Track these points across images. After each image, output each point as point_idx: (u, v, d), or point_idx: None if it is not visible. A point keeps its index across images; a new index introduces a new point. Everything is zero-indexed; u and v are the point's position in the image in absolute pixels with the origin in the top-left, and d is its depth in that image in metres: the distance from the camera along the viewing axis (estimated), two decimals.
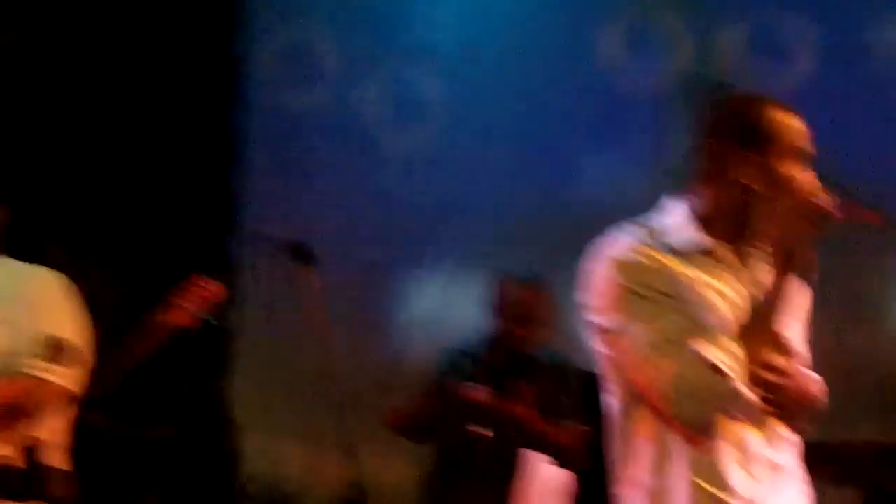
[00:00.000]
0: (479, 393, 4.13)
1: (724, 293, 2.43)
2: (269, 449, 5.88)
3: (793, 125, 2.49)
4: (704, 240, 2.48)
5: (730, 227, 2.48)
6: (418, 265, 5.96)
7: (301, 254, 3.21)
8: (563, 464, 4.05)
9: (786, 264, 2.41)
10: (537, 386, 4.22)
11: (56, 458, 3.14)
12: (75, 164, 5.83)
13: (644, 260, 2.40)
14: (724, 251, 2.48)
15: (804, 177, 2.45)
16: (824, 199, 2.38)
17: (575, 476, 4.05)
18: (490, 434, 4.09)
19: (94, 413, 3.87)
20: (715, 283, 2.43)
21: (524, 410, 4.12)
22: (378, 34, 6.06)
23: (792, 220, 2.41)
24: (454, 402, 4.16)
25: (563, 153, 5.85)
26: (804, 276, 2.39)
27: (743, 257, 2.50)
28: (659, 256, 2.42)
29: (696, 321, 2.36)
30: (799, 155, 2.47)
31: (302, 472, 5.88)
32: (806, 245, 2.38)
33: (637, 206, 2.52)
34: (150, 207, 5.85)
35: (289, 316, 5.50)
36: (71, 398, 3.17)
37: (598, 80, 5.86)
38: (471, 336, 4.45)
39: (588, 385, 4.35)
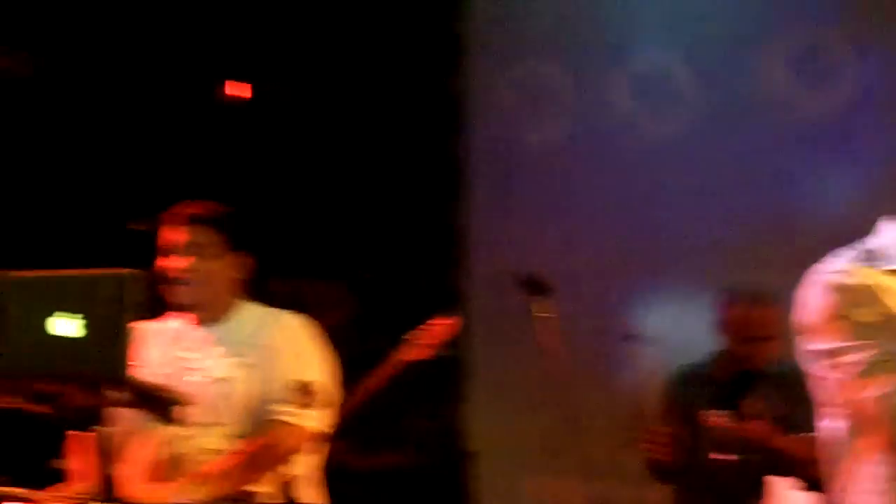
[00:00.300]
0: (720, 418, 4.08)
1: None
2: (504, 479, 5.89)
3: None
4: None
5: None
6: (655, 291, 5.88)
7: (535, 285, 3.22)
8: (805, 478, 3.95)
9: None
10: (769, 401, 4.14)
11: (311, 493, 3.23)
12: (305, 204, 6.01)
13: (860, 282, 2.36)
14: None
15: None
16: None
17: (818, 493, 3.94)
18: (734, 459, 4.03)
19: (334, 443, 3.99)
20: None
21: (762, 428, 4.05)
22: (608, 62, 6.02)
23: None
24: (695, 429, 4.10)
25: (796, 172, 5.69)
26: None
27: None
28: (875, 278, 2.36)
29: None
30: None
31: (539, 501, 5.87)
32: None
33: (865, 229, 2.45)
34: (381, 241, 5.97)
35: (522, 346, 5.56)
36: (322, 438, 3.25)
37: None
38: (701, 356, 4.39)
39: None
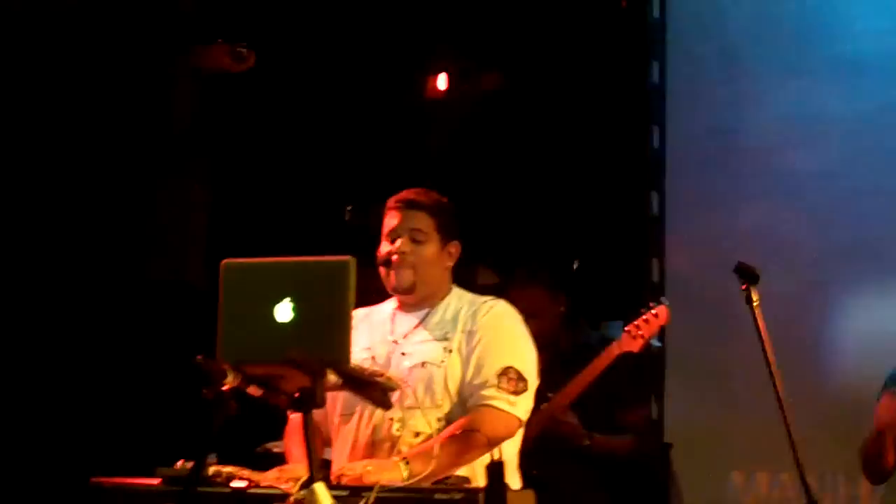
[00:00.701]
0: None
1: None
2: (711, 471, 5.83)
3: None
4: None
5: None
6: (857, 284, 5.73)
7: (745, 273, 3.19)
8: None
9: None
10: None
11: (513, 478, 3.27)
12: (506, 195, 6.08)
13: None
14: None
15: None
16: None
17: None
18: None
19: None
20: None
21: None
22: (800, 46, 5.89)
23: None
24: None
25: None
26: None
27: None
28: None
29: None
30: None
31: (742, 496, 5.79)
32: None
33: None
34: (578, 232, 6.00)
35: (723, 337, 5.49)
36: (523, 424, 3.29)
37: None
38: None
39: None
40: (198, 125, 5.96)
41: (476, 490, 2.84)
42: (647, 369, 5.37)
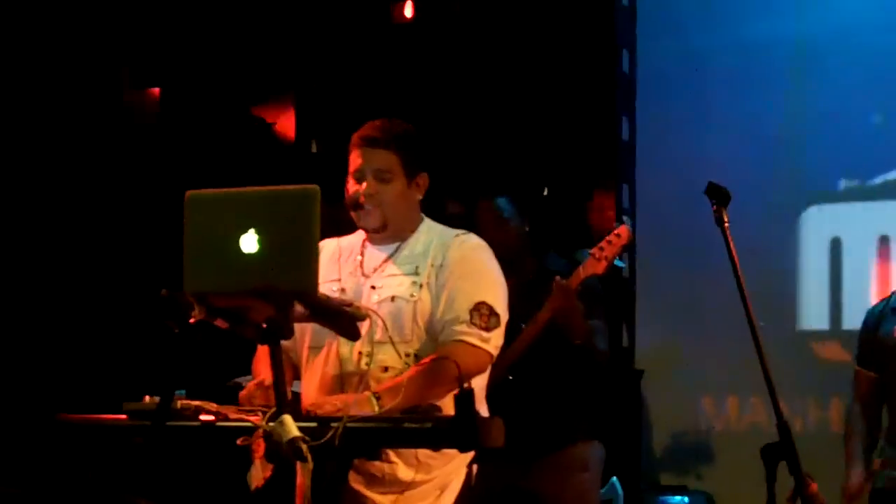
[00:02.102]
0: None
1: None
2: (683, 396, 5.87)
3: None
4: None
5: None
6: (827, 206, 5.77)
7: (716, 193, 3.14)
8: None
9: None
10: None
11: (481, 409, 3.24)
12: (473, 124, 6.03)
13: None
14: None
15: None
16: None
17: None
18: None
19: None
20: None
21: None
22: None
23: None
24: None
25: None
26: None
27: None
28: None
29: None
30: None
31: (712, 420, 5.83)
32: None
33: None
34: (548, 160, 5.96)
35: (692, 263, 5.49)
36: (494, 359, 3.27)
37: None
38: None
39: None
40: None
41: (446, 418, 2.82)
42: (617, 295, 5.37)
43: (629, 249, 5.54)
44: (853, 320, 5.51)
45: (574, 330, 4.23)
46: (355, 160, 3.31)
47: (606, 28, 6.15)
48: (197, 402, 2.93)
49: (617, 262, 4.40)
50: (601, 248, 4.20)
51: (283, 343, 2.80)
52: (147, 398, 2.94)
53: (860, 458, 4.17)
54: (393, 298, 3.23)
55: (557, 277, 4.19)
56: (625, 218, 4.83)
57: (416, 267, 3.27)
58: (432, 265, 3.25)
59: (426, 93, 6.02)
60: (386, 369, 3.18)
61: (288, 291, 2.68)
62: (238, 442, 2.78)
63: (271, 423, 2.62)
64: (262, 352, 3.29)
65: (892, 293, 4.46)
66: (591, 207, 5.99)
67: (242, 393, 3.12)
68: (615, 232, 4.23)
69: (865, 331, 4.31)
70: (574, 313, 4.19)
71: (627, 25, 6.19)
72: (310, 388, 3.28)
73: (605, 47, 6.14)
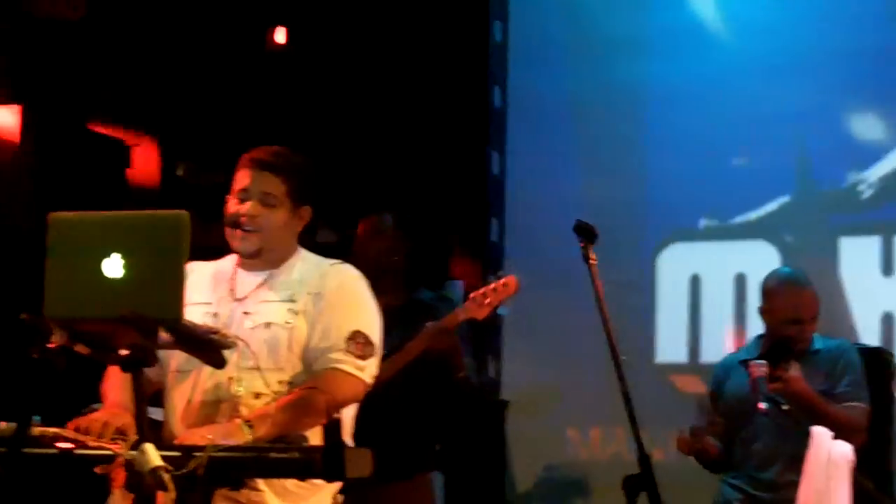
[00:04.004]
0: (763, 368, 4.15)
1: None
2: (547, 428, 5.92)
3: None
4: None
5: None
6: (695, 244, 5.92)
7: (583, 231, 3.21)
8: (846, 438, 4.00)
9: None
10: (812, 376, 4.30)
11: (347, 440, 3.23)
12: (342, 152, 6.02)
13: None
14: None
15: None
16: None
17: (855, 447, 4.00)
18: (767, 408, 4.11)
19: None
20: None
21: (803, 387, 4.13)
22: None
23: None
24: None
25: None
26: None
27: None
28: None
29: None
30: None
31: (576, 451, 5.90)
32: None
33: None
34: (416, 194, 5.99)
35: (560, 296, 5.56)
36: (369, 388, 3.26)
37: None
38: (749, 343, 4.60)
39: (869, 366, 4.42)
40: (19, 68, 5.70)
41: (314, 448, 2.81)
42: (485, 329, 5.41)
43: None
44: (710, 354, 5.67)
45: (453, 367, 4.26)
46: (242, 179, 3.28)
47: (478, 63, 6.21)
48: (55, 429, 2.87)
49: (500, 311, 4.44)
50: (484, 295, 4.22)
51: (148, 370, 2.75)
52: (3, 424, 2.87)
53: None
54: (268, 325, 3.21)
55: (431, 323, 4.21)
56: (506, 262, 4.83)
57: (292, 294, 3.25)
58: (308, 293, 3.24)
59: (298, 119, 6.00)
60: (258, 396, 3.15)
61: (152, 318, 2.64)
62: (97, 470, 2.72)
63: (132, 452, 2.58)
64: (112, 375, 3.22)
65: (741, 347, 4.66)
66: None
67: (79, 421, 3.01)
68: (503, 281, 4.25)
69: (714, 382, 4.53)
70: (452, 354, 4.23)
71: (499, 61, 6.27)
72: (174, 414, 3.23)
73: (476, 82, 6.20)
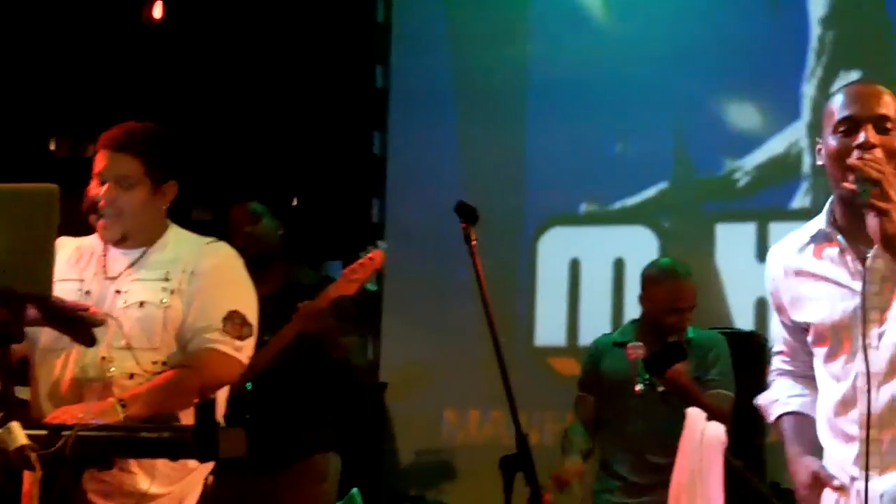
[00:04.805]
0: (640, 350, 4.20)
1: None
2: (425, 409, 5.92)
3: (842, 98, 2.62)
4: None
5: None
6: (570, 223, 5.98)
7: (464, 212, 3.19)
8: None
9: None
10: (688, 363, 4.34)
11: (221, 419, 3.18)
12: (227, 130, 5.93)
13: None
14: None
15: (840, 141, 2.57)
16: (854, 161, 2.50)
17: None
18: (641, 388, 4.19)
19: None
20: None
21: (677, 374, 4.21)
22: None
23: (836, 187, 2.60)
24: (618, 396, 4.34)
25: None
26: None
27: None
28: None
29: None
30: (846, 122, 2.58)
31: (454, 432, 5.91)
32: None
33: None
34: (297, 175, 5.93)
35: (440, 277, 5.56)
36: (245, 368, 3.21)
37: None
38: (624, 326, 4.65)
39: (743, 350, 4.53)
40: None
41: (185, 428, 2.75)
42: (364, 309, 5.38)
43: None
44: (589, 337, 5.72)
45: (329, 346, 4.24)
46: (99, 162, 3.18)
47: (361, 43, 6.17)
48: None
49: (369, 286, 4.41)
50: (353, 270, 4.20)
51: (15, 347, 2.68)
52: None
53: (577, 453, 4.45)
54: (142, 304, 3.12)
55: (304, 303, 4.17)
56: (379, 242, 4.81)
57: (166, 272, 3.16)
58: (183, 271, 3.16)
59: (176, 96, 5.89)
60: (132, 376, 3.08)
61: (21, 294, 2.56)
62: None
63: None
64: None
65: (619, 328, 4.73)
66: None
67: None
68: (369, 255, 4.23)
69: (590, 360, 4.60)
70: (327, 333, 4.20)
71: (382, 41, 6.23)
72: (42, 393, 3.14)
73: (359, 62, 6.16)
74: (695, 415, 3.97)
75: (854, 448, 2.61)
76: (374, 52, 6.22)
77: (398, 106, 6.21)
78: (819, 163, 2.68)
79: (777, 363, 2.89)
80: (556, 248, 6.04)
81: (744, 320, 5.71)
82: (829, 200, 2.71)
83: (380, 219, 6.13)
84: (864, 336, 2.58)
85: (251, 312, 3.19)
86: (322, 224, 5.92)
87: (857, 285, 2.60)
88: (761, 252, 5.82)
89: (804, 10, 5.85)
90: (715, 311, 5.57)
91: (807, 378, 2.79)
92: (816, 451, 2.73)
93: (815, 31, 5.83)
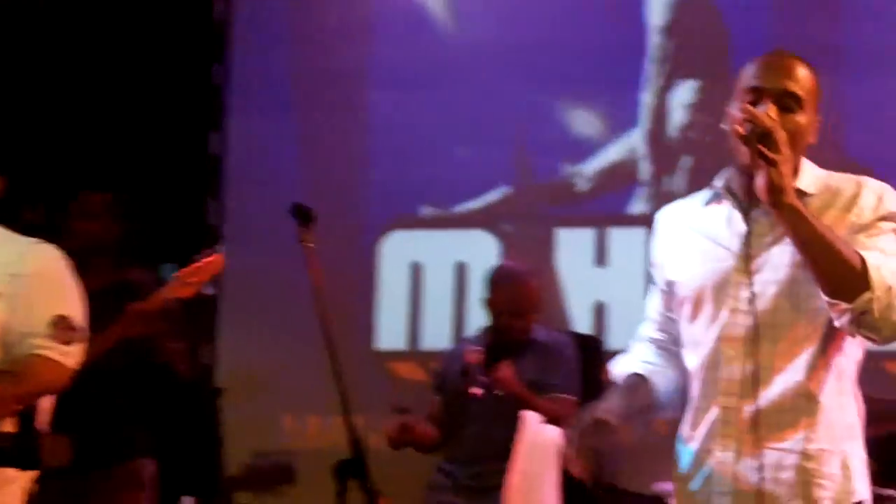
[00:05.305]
0: (476, 354, 4.23)
1: None
2: (262, 414, 5.83)
3: (754, 67, 2.55)
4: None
5: None
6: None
7: (300, 213, 3.14)
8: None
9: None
10: (532, 366, 4.43)
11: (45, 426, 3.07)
12: (57, 126, 5.75)
13: None
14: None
15: (742, 108, 2.46)
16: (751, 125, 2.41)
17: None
18: (480, 393, 4.19)
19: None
20: None
21: (514, 382, 4.24)
22: None
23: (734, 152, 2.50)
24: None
25: None
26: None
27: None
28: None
29: None
30: (751, 92, 2.50)
31: (292, 438, 5.84)
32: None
33: None
34: (131, 173, 5.78)
35: (278, 280, 5.48)
36: (74, 374, 3.11)
37: None
38: (476, 329, 4.72)
39: (582, 353, 4.58)
40: None
41: (5, 436, 2.64)
42: (199, 312, 5.27)
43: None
44: (430, 341, 5.72)
45: (155, 351, 4.13)
46: None
47: (198, 40, 6.05)
48: None
49: (205, 290, 4.32)
50: (190, 272, 4.10)
51: None
52: None
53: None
54: None
55: (132, 304, 4.05)
56: (218, 246, 4.71)
57: None
58: (7, 274, 3.04)
59: (3, 91, 5.68)
60: None
61: None
62: None
63: None
64: None
65: (462, 339, 4.76)
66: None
67: None
68: (207, 259, 4.13)
69: (442, 363, 4.58)
70: (154, 337, 4.09)
71: (220, 39, 6.12)
72: None
73: (196, 59, 6.04)
74: (531, 418, 4.00)
75: (712, 415, 2.52)
76: (212, 49, 6.10)
77: (236, 105, 6.11)
78: (724, 127, 2.59)
79: (644, 330, 2.79)
80: (397, 252, 6.01)
81: (582, 324, 5.77)
82: (727, 169, 2.64)
83: (217, 220, 6.01)
84: (743, 299, 2.50)
85: (79, 317, 3.09)
86: (157, 225, 5.78)
87: (736, 245, 2.54)
88: (600, 257, 5.89)
89: (642, 19, 5.95)
90: (554, 315, 5.62)
91: (669, 351, 2.70)
92: (637, 417, 2.66)
93: (653, 39, 5.93)
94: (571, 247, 5.91)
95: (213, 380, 5.89)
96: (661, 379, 2.69)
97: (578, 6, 5.96)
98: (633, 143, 5.94)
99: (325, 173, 5.98)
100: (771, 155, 2.38)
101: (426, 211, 6.06)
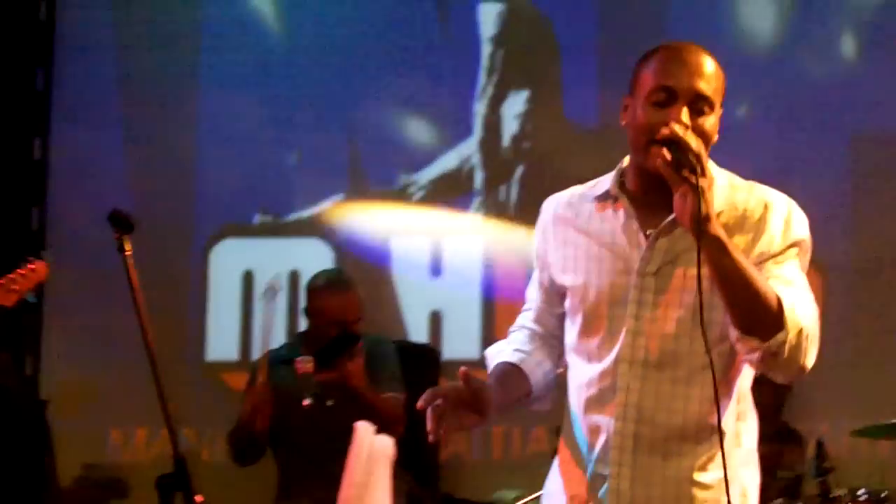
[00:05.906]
0: (308, 364, 4.19)
1: None
2: (89, 428, 5.68)
3: (660, 62, 2.36)
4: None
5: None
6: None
7: (119, 221, 3.05)
8: (386, 429, 4.11)
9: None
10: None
11: None
12: None
13: None
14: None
15: (652, 113, 2.32)
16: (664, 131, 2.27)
17: (395, 441, 4.12)
18: (309, 403, 4.14)
19: None
20: None
21: (362, 376, 4.21)
22: None
23: (639, 155, 2.36)
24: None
25: None
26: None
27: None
28: None
29: None
30: (661, 91, 2.33)
31: (120, 451, 5.70)
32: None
33: None
34: None
35: (103, 289, 5.33)
36: None
37: None
38: (291, 341, 4.73)
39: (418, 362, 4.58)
40: None
41: None
42: (22, 323, 5.11)
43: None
44: (261, 352, 5.64)
45: None
46: None
47: (21, 43, 5.85)
48: None
49: (29, 298, 4.19)
50: (12, 280, 3.98)
51: None
52: None
53: None
54: None
55: None
56: (43, 253, 4.58)
57: None
58: None
59: None
60: None
61: None
62: None
63: None
64: None
65: (286, 343, 4.70)
66: None
67: None
68: (31, 266, 4.02)
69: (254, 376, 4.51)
70: None
71: (44, 42, 5.94)
72: None
73: (18, 63, 5.84)
74: (363, 428, 3.98)
75: (601, 440, 2.38)
76: (35, 53, 5.91)
77: (60, 110, 5.93)
78: (623, 123, 2.41)
79: (521, 319, 2.60)
80: (228, 260, 5.91)
81: (418, 333, 5.77)
82: (622, 163, 2.46)
83: (40, 227, 5.82)
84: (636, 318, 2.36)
85: None
86: None
87: (636, 259, 2.37)
88: (435, 266, 5.90)
89: (476, 28, 5.98)
90: (389, 324, 5.60)
91: (546, 342, 2.54)
92: (510, 406, 2.48)
93: (486, 49, 5.97)
94: (407, 255, 5.91)
95: (38, 391, 5.71)
96: (536, 369, 2.52)
97: (414, 15, 5.96)
98: (467, 151, 5.96)
99: (153, 180, 5.85)
100: (700, 183, 2.22)
101: (259, 219, 5.98)
